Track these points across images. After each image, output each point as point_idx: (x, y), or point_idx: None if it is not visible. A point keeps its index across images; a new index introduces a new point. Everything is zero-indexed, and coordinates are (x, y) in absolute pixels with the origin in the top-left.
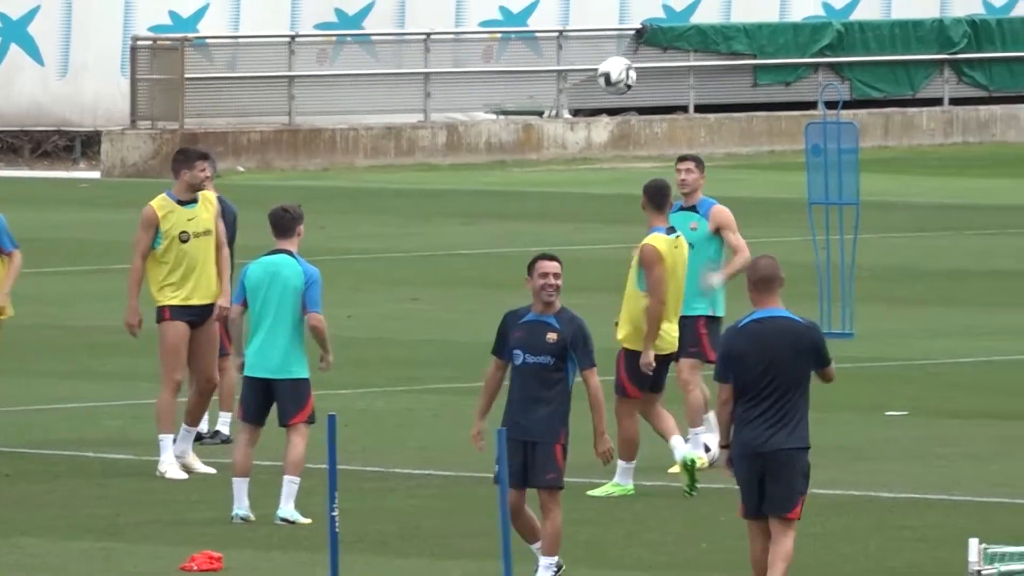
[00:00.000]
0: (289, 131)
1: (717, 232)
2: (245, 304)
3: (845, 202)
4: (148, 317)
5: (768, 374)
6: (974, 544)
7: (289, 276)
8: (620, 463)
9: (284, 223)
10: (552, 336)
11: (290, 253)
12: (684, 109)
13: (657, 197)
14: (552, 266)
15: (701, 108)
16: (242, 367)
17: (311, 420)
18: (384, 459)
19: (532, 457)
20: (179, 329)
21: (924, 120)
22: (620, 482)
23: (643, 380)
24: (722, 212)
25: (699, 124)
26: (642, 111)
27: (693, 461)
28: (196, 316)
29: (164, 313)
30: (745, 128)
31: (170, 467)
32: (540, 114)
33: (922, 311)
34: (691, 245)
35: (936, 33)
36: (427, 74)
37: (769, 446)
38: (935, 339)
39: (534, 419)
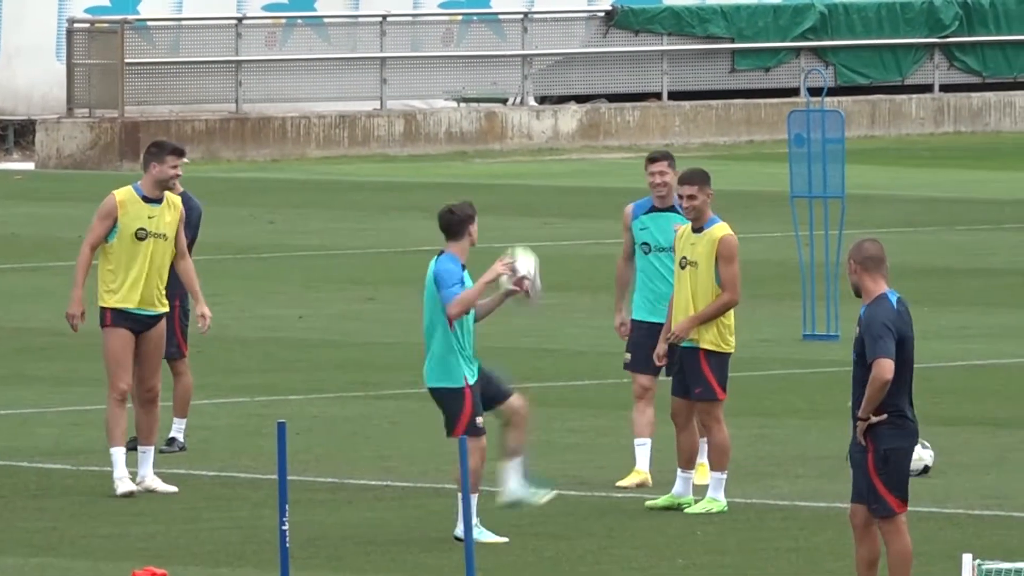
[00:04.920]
0: (236, 120)
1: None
2: None
3: (830, 195)
4: (92, 315)
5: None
6: (968, 560)
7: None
8: (713, 475)
9: (450, 224)
10: None
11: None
12: (657, 96)
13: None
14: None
15: (675, 95)
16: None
17: (467, 431)
18: (338, 469)
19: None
20: (122, 336)
21: (913, 108)
22: (715, 497)
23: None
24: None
25: (673, 112)
26: (613, 98)
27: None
28: (140, 324)
29: (106, 317)
30: (722, 116)
31: (120, 481)
32: (504, 101)
33: (911, 311)
34: (670, 249)
35: (926, 15)
36: (383, 59)
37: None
38: (925, 341)
39: None
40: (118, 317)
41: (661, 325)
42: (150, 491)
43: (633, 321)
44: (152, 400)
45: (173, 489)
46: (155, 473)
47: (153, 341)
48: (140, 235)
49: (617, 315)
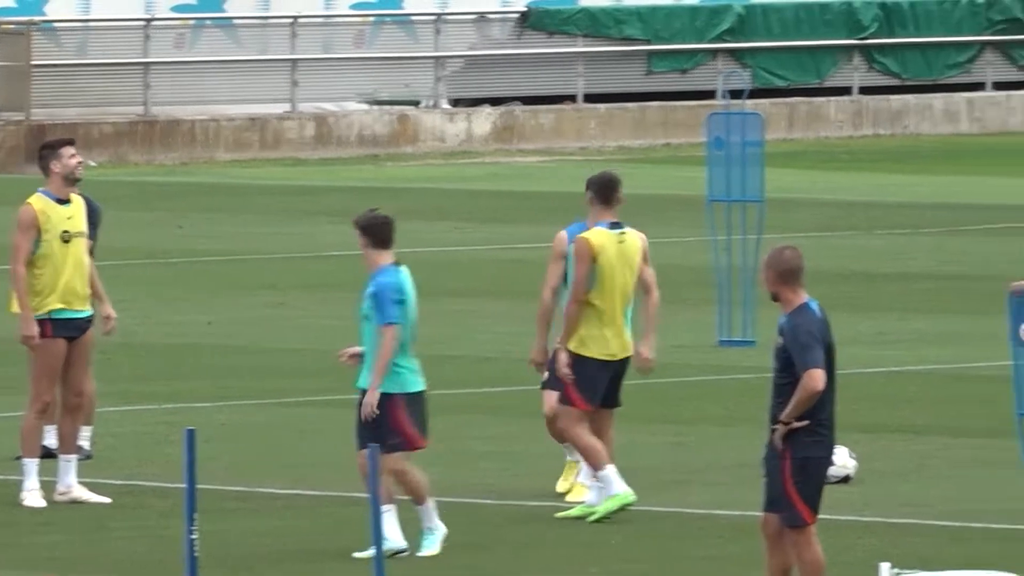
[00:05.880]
0: (145, 122)
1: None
2: None
3: (748, 199)
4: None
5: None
6: (885, 569)
7: None
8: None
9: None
10: None
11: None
12: (572, 99)
13: (604, 190)
14: None
15: (591, 98)
16: None
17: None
18: (248, 477)
19: None
20: (60, 348)
21: (832, 110)
22: (610, 492)
23: (589, 390)
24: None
25: (589, 115)
26: (527, 101)
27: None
28: (75, 330)
29: (46, 328)
30: (638, 119)
31: (29, 494)
32: (416, 104)
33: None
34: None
35: (845, 16)
36: (294, 61)
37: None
38: (842, 347)
39: None
40: (57, 327)
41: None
42: (77, 502)
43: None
44: (80, 407)
45: (105, 500)
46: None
47: (84, 345)
48: (65, 237)
49: (539, 346)
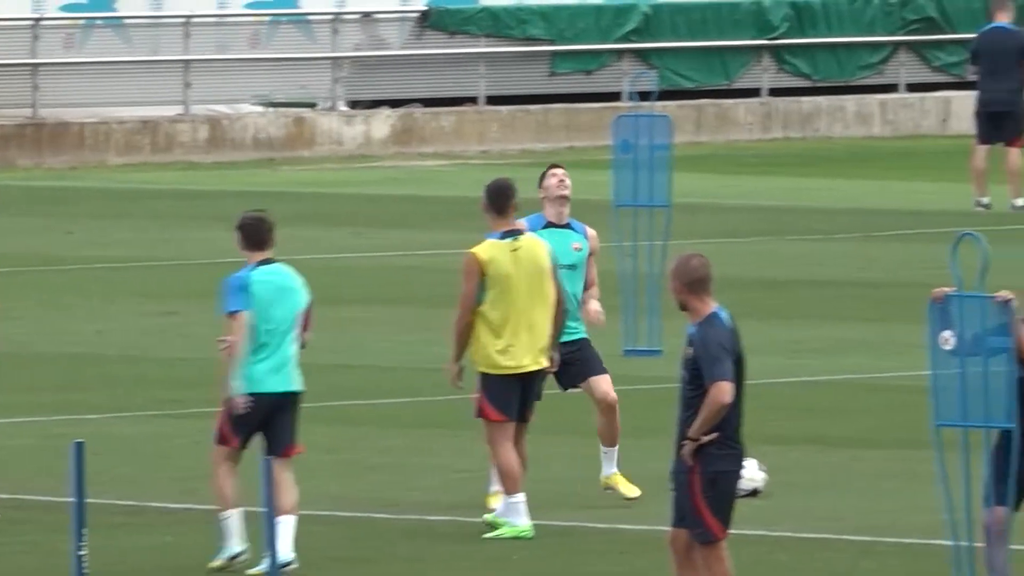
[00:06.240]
0: (33, 125)
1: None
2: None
3: (655, 204)
4: None
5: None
6: None
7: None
8: (504, 499)
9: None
10: None
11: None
12: (474, 101)
13: (498, 199)
14: None
15: (493, 100)
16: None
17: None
18: (139, 491)
19: None
20: None
21: (741, 113)
22: (510, 520)
23: (502, 402)
24: (597, 237)
25: (491, 117)
26: (427, 103)
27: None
28: None
29: None
30: (542, 122)
31: None
32: (313, 106)
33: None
34: (574, 267)
35: (754, 16)
36: (187, 62)
37: None
38: (754, 356)
39: None
40: None
41: (581, 341)
42: None
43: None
44: None
45: None
46: None
47: None
48: None
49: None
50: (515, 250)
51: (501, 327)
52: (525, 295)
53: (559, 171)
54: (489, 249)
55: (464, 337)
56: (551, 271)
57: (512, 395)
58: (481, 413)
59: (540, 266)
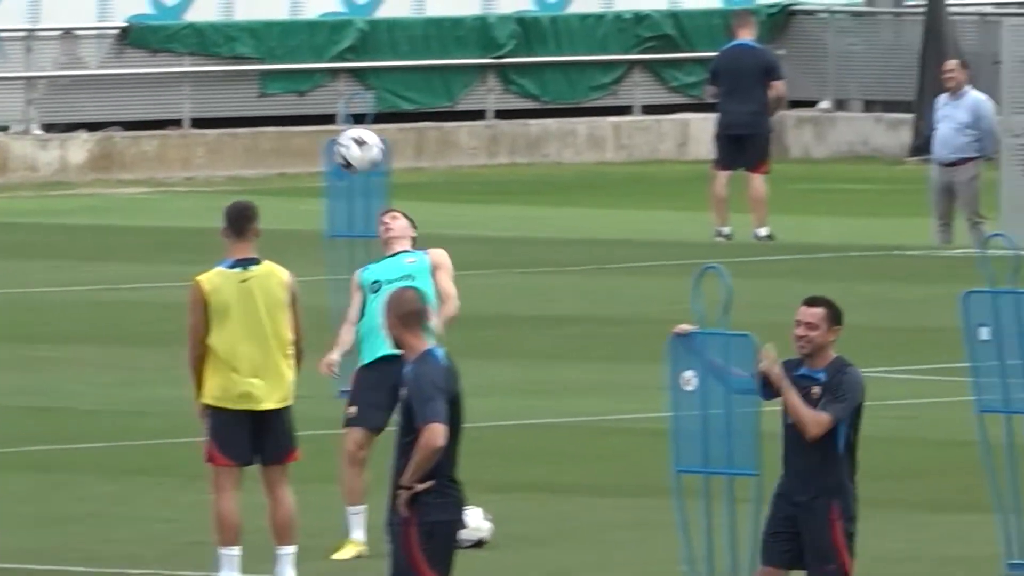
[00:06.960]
0: None
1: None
2: None
3: (371, 235)
4: None
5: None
6: None
7: None
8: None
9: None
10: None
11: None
12: (178, 123)
13: (236, 222)
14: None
15: (199, 123)
16: None
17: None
18: None
19: None
20: None
21: (464, 137)
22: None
23: (228, 444)
24: (441, 252)
25: (196, 141)
26: (128, 126)
27: None
28: None
29: None
30: (251, 146)
31: None
32: (5, 129)
33: (462, 365)
34: (411, 277)
35: (478, 33)
36: None
37: None
38: (476, 398)
39: None
40: None
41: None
42: None
43: (362, 369)
44: None
45: None
46: None
47: None
48: None
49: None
50: (244, 280)
51: (228, 362)
52: (251, 327)
53: (386, 217)
54: (214, 278)
55: (199, 372)
56: (287, 305)
57: (241, 436)
58: (207, 456)
59: (273, 299)
